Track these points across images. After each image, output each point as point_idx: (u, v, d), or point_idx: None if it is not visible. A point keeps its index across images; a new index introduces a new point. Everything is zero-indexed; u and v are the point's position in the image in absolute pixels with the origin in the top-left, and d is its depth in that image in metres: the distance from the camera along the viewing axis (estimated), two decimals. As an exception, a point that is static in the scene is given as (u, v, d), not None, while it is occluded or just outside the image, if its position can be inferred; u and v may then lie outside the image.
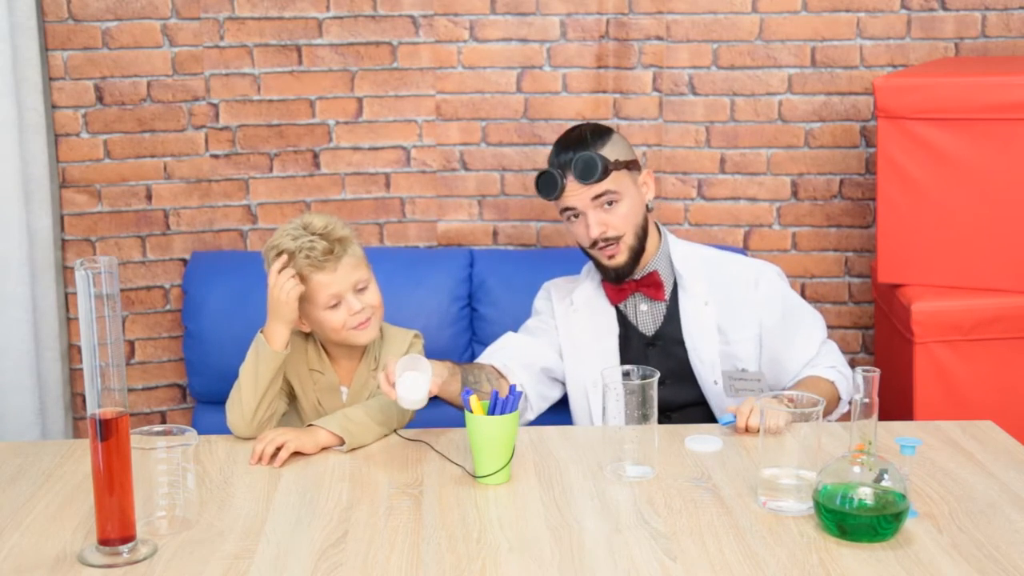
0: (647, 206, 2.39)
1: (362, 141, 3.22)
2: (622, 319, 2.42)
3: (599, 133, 2.36)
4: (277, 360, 2.14)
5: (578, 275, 2.53)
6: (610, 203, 2.31)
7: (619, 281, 2.38)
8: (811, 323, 2.40)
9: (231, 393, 2.16)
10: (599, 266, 2.38)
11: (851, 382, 2.23)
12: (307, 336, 2.29)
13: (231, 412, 2.15)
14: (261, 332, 2.16)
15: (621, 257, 2.34)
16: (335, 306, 2.19)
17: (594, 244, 2.33)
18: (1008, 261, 2.70)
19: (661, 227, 2.46)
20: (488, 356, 2.41)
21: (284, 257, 2.17)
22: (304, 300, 2.18)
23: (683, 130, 3.20)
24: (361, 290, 2.22)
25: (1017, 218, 2.67)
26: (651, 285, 2.39)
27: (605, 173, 2.29)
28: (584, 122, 2.50)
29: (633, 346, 2.40)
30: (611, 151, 2.33)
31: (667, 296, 2.40)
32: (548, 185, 2.32)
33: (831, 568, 1.62)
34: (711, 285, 2.39)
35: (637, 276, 2.39)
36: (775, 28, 3.15)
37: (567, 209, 2.34)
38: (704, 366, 2.37)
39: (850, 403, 1.83)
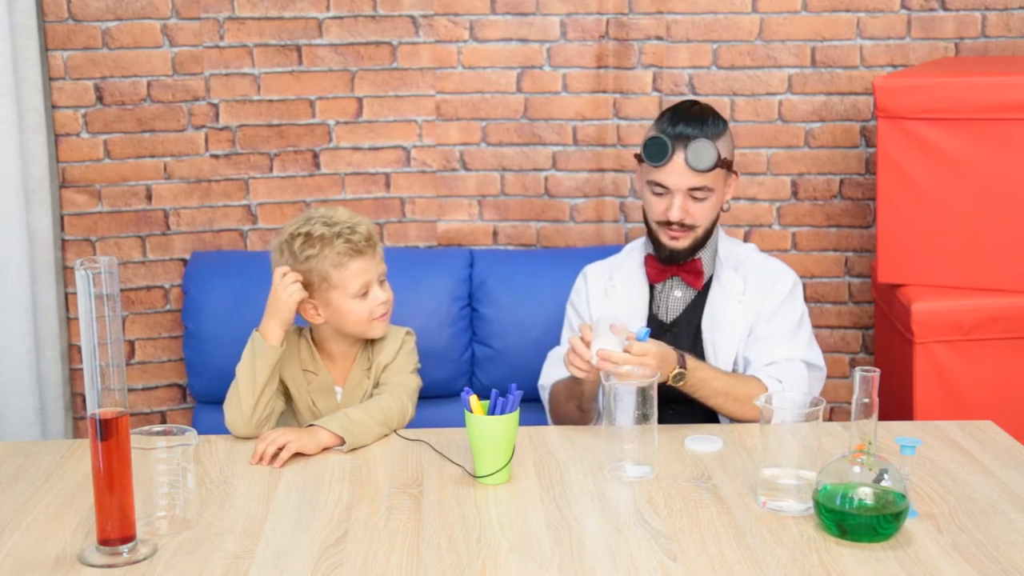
0: (723, 206, 2.37)
1: (362, 141, 3.22)
2: (650, 303, 2.42)
3: (718, 122, 2.33)
4: (274, 355, 2.15)
5: (618, 255, 2.50)
6: (701, 197, 2.29)
7: (671, 262, 2.36)
8: (793, 338, 2.32)
9: (228, 393, 2.16)
10: (656, 242, 2.36)
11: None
12: (300, 337, 2.30)
13: (229, 411, 2.15)
14: (256, 331, 2.18)
15: (684, 242, 2.32)
16: (364, 295, 2.21)
17: (667, 223, 2.30)
18: (1008, 261, 2.70)
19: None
20: (547, 378, 2.44)
21: (287, 267, 2.20)
22: (333, 288, 2.20)
23: (683, 130, 3.20)
24: (383, 283, 2.26)
25: (1017, 218, 2.67)
26: (692, 272, 2.37)
27: (713, 167, 2.26)
28: (700, 102, 2.40)
29: (652, 329, 2.38)
30: (724, 146, 2.30)
31: (703, 285, 2.39)
32: (657, 152, 2.26)
33: (831, 568, 1.62)
34: (744, 284, 2.38)
35: (680, 260, 2.38)
36: (775, 28, 3.15)
37: (657, 183, 2.30)
38: (718, 360, 2.34)
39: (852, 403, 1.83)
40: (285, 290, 2.16)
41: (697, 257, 2.37)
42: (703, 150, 2.24)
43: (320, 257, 2.19)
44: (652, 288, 2.42)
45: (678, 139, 2.26)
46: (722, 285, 2.38)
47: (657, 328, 2.38)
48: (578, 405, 2.34)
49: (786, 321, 2.34)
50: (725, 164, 2.30)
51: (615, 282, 2.44)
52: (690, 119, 2.29)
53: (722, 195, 2.34)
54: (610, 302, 2.43)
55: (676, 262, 2.36)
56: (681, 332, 2.38)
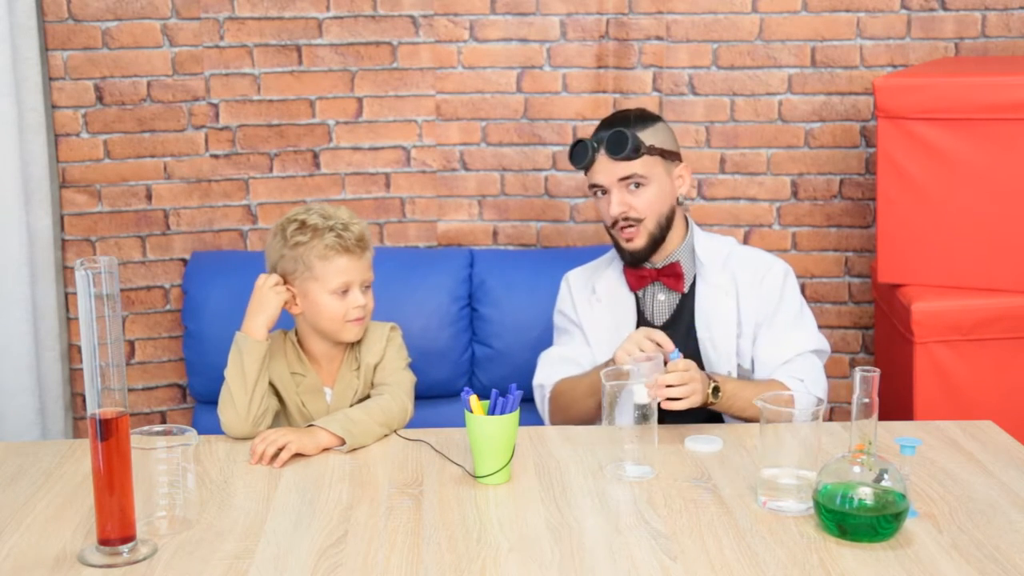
0: (678, 199, 2.39)
1: (362, 141, 3.22)
2: (637, 308, 2.42)
3: (644, 118, 2.38)
4: (260, 350, 2.15)
5: (600, 260, 2.52)
6: (636, 185, 2.32)
7: (635, 265, 2.38)
8: (798, 329, 2.35)
9: (221, 397, 2.16)
10: (618, 248, 2.39)
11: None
12: (285, 339, 2.30)
13: (224, 415, 2.15)
14: (239, 332, 2.19)
15: (639, 241, 2.34)
16: (343, 294, 2.21)
17: (615, 224, 2.35)
18: (1008, 261, 2.70)
19: (691, 221, 2.45)
20: (546, 377, 2.42)
21: (276, 275, 2.22)
22: (313, 279, 2.20)
23: (683, 130, 3.20)
24: (366, 290, 2.24)
25: (1017, 218, 2.67)
26: (671, 275, 2.38)
27: (635, 153, 2.29)
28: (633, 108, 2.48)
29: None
30: (650, 135, 2.34)
31: (686, 288, 2.39)
32: (579, 155, 2.34)
33: (831, 568, 1.62)
34: (732, 278, 2.38)
35: (659, 265, 2.39)
36: (775, 28, 3.15)
37: (594, 185, 2.35)
38: (720, 355, 2.34)
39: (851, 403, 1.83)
40: (272, 289, 2.20)
41: (675, 260, 2.39)
42: (616, 139, 2.29)
43: (308, 246, 2.20)
44: (636, 294, 2.42)
45: (599, 140, 2.32)
46: (708, 283, 2.38)
47: None
48: (599, 401, 2.32)
49: (787, 315, 2.36)
50: (655, 151, 2.32)
51: (598, 294, 2.45)
52: (611, 120, 2.37)
53: (667, 186, 2.36)
54: (595, 312, 2.44)
55: (640, 263, 2.38)
56: (673, 334, 2.36)
